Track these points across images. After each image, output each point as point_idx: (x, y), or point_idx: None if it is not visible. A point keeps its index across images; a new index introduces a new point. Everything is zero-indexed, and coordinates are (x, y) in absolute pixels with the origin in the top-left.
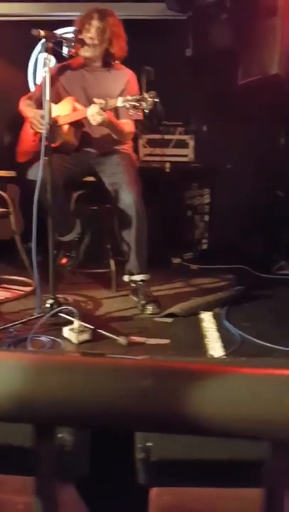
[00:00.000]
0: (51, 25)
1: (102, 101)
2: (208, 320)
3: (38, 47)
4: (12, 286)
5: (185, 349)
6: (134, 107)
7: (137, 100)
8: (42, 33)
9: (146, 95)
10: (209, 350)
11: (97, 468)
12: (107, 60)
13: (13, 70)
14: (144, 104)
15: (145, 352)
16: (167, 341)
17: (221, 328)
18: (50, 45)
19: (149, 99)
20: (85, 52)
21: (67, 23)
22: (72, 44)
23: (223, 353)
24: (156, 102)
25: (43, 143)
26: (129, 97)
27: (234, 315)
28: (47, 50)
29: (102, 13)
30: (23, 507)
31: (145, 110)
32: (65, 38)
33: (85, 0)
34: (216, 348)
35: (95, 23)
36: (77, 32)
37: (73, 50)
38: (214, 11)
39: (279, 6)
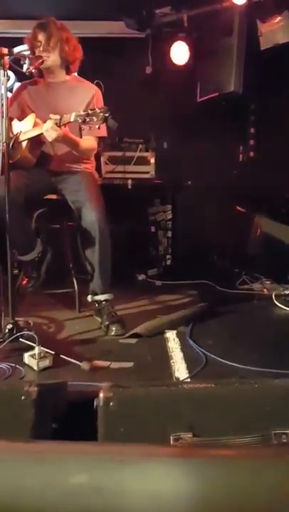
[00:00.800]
0: (7, 42)
1: (57, 116)
2: (172, 339)
3: None
4: None
5: (150, 372)
6: (85, 121)
7: (88, 115)
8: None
9: (97, 110)
10: (174, 373)
11: None
12: (67, 66)
13: None
14: (94, 119)
15: (109, 377)
16: (131, 364)
17: (185, 348)
18: (7, 61)
19: (100, 113)
20: (44, 65)
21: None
22: (30, 61)
23: (188, 375)
24: (106, 117)
25: (1, 160)
26: (81, 112)
27: (198, 333)
28: (3, 66)
29: (43, 24)
30: None
31: (96, 125)
32: (23, 56)
33: (39, 18)
34: (180, 369)
35: (41, 35)
36: (31, 50)
37: (31, 68)
38: (172, 29)
39: (234, 26)
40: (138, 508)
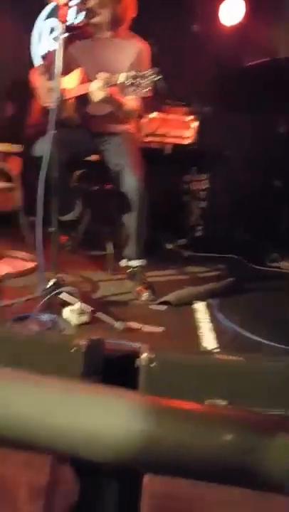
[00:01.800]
0: None
1: (105, 76)
2: (201, 310)
3: (43, 14)
4: (14, 261)
5: (179, 339)
6: (134, 84)
7: (139, 77)
8: (56, 2)
9: (148, 72)
10: (203, 343)
11: None
12: (116, 25)
13: (15, 38)
14: (144, 81)
15: (140, 339)
16: (161, 330)
17: (213, 320)
18: (64, 12)
19: (151, 76)
20: (93, 20)
21: None
22: (81, 12)
23: (215, 346)
24: (157, 79)
25: (52, 117)
26: (131, 73)
27: (226, 307)
28: (59, 18)
29: None
30: (26, 481)
31: (146, 88)
32: (76, 6)
33: None
34: (209, 340)
35: None
36: (82, 1)
37: (82, 21)
38: None
39: None
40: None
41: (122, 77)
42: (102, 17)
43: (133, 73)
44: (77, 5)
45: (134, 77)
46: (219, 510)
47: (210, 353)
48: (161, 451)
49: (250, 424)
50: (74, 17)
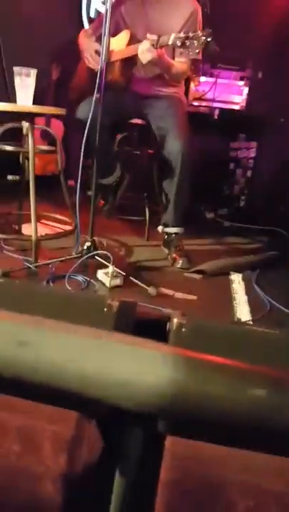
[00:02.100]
0: None
1: (154, 37)
2: (237, 282)
3: None
4: (51, 222)
5: (212, 308)
6: (185, 45)
7: (188, 38)
8: None
9: (199, 33)
10: (236, 314)
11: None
12: None
13: (64, 2)
14: (195, 42)
15: (173, 305)
16: (194, 298)
17: (249, 292)
18: None
19: (202, 37)
20: None
21: None
22: None
23: (250, 319)
24: (208, 41)
25: (98, 80)
26: (181, 35)
27: (264, 280)
28: None
29: None
30: (51, 434)
31: (196, 50)
32: None
33: None
34: (243, 311)
35: None
36: None
37: None
38: None
39: None
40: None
41: (171, 39)
42: None
43: (183, 35)
44: None
45: (184, 39)
46: (241, 475)
47: (243, 324)
48: (189, 401)
49: (284, 382)
50: None
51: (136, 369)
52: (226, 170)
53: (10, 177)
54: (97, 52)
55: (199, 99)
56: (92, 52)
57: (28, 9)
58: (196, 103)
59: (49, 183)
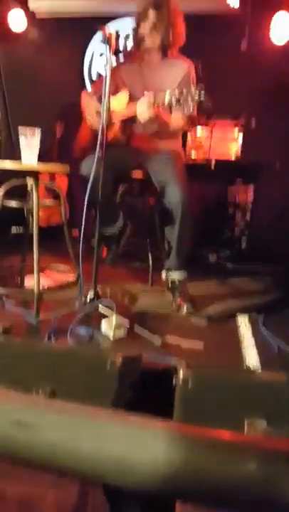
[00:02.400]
0: (107, 20)
1: (150, 96)
2: (244, 324)
3: (94, 41)
4: (54, 273)
5: (220, 355)
6: (180, 102)
7: (183, 95)
8: (108, 33)
9: (192, 90)
10: (245, 359)
11: None
12: (165, 50)
13: (68, 65)
14: (189, 99)
15: (179, 354)
16: (201, 345)
17: (256, 335)
18: (114, 44)
19: (196, 94)
20: (144, 44)
21: (123, 15)
22: (132, 40)
23: (258, 363)
24: (202, 97)
25: (99, 138)
26: (176, 92)
27: (271, 322)
28: (110, 49)
29: (158, 4)
30: (53, 502)
31: (190, 106)
32: (126, 36)
33: None
34: (251, 356)
35: (152, 15)
36: (137, 25)
37: (132, 47)
38: (273, 4)
39: None
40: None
41: (167, 96)
42: (153, 42)
43: (178, 92)
44: (128, 35)
45: (179, 96)
46: None
47: (252, 370)
48: (190, 480)
49: (283, 455)
50: (123, 43)
51: (133, 449)
52: (225, 213)
53: (14, 229)
54: (98, 113)
55: (196, 149)
56: (93, 113)
57: (33, 71)
58: (193, 152)
59: (53, 233)
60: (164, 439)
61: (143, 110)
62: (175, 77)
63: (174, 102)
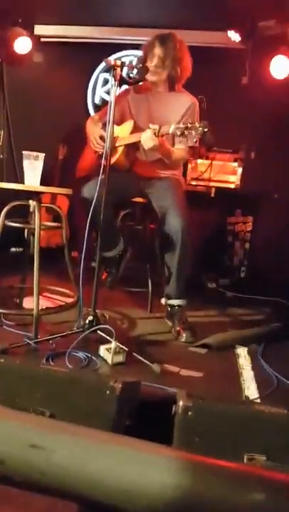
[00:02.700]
0: (110, 47)
1: (156, 127)
2: (243, 356)
3: (99, 68)
4: (54, 295)
5: (219, 386)
6: (184, 134)
7: (187, 128)
8: (112, 62)
9: (196, 124)
10: (244, 391)
11: None
12: (172, 84)
13: (72, 89)
14: (193, 132)
15: (178, 383)
16: (200, 374)
17: (256, 367)
18: (119, 73)
19: (199, 128)
20: (151, 77)
21: (126, 46)
22: (137, 71)
23: (258, 396)
24: (205, 131)
25: (103, 162)
26: (181, 125)
27: (271, 353)
28: (115, 77)
29: (165, 39)
30: None
31: (193, 139)
32: (131, 66)
33: (146, 26)
34: (250, 388)
35: (157, 51)
36: (143, 59)
37: (137, 77)
38: (274, 42)
39: None
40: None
41: (171, 129)
42: (159, 77)
43: (182, 125)
44: (134, 65)
45: (184, 129)
46: None
47: (251, 403)
48: (197, 507)
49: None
50: (127, 73)
51: (142, 474)
52: (224, 242)
53: (13, 249)
54: (102, 138)
55: (197, 179)
56: (97, 138)
57: (38, 94)
58: (194, 182)
59: (53, 254)
60: (173, 466)
61: (148, 137)
62: (179, 110)
63: (178, 133)
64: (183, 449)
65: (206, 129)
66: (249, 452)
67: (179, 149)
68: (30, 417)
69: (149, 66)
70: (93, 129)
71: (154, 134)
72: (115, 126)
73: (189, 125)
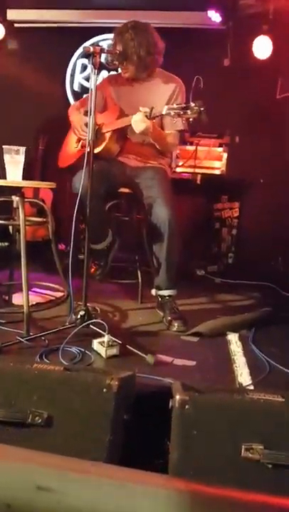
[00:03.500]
0: (87, 31)
1: (146, 109)
2: (234, 342)
3: (77, 53)
4: (43, 290)
5: (212, 374)
6: (179, 115)
7: (183, 108)
8: (92, 49)
9: (192, 104)
10: (237, 378)
11: None
12: (149, 73)
13: (50, 76)
14: (189, 112)
15: (172, 373)
16: (194, 363)
17: (247, 353)
18: (98, 60)
19: (195, 107)
20: (125, 74)
21: (104, 30)
22: (114, 59)
23: (251, 382)
24: (201, 110)
25: (87, 151)
26: (174, 106)
27: (261, 338)
28: (94, 64)
29: (120, 32)
30: None
31: (190, 119)
32: (110, 52)
33: (123, 8)
34: (243, 375)
35: (118, 46)
36: (114, 46)
37: (116, 63)
38: (255, 22)
39: None
40: None
41: (165, 109)
42: (130, 72)
43: (175, 105)
44: (108, 51)
45: (180, 109)
46: None
47: (245, 391)
48: None
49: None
50: (106, 58)
51: (131, 509)
52: (212, 229)
53: None
54: (86, 125)
55: (182, 166)
56: (82, 126)
57: (14, 83)
58: (179, 169)
59: (39, 247)
60: (164, 497)
61: (139, 119)
62: (164, 93)
63: (172, 113)
64: (181, 441)
65: (202, 108)
66: (247, 442)
67: (170, 134)
68: (36, 454)
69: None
70: (78, 117)
71: (146, 116)
72: (98, 114)
73: (184, 105)
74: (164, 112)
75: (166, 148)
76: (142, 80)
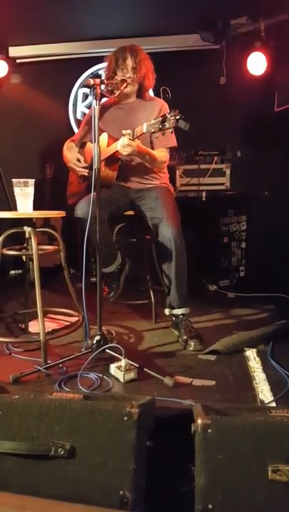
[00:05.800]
0: (87, 61)
1: (129, 131)
2: (253, 358)
3: (77, 83)
4: (57, 316)
5: (233, 392)
6: (160, 129)
7: (160, 122)
8: (92, 81)
9: (167, 115)
10: (258, 395)
11: None
12: (141, 92)
13: (54, 106)
14: (167, 124)
15: (191, 394)
16: (213, 383)
17: (267, 368)
18: (99, 91)
19: (172, 118)
20: (126, 89)
21: (102, 59)
22: (115, 86)
23: (272, 398)
24: (178, 119)
25: (93, 178)
26: (152, 121)
27: (280, 352)
28: (96, 96)
29: (135, 50)
30: None
31: (170, 129)
32: (111, 83)
33: (120, 37)
34: (264, 391)
35: (130, 60)
36: (110, 69)
37: (117, 92)
38: (248, 39)
39: None
40: None
41: (144, 127)
42: (132, 88)
43: (153, 121)
44: (108, 81)
45: (157, 123)
46: None
47: (267, 407)
48: None
49: None
50: (104, 87)
51: None
52: (221, 243)
53: (12, 272)
54: (79, 160)
55: (186, 184)
56: (76, 163)
57: (20, 115)
58: (183, 188)
59: (52, 272)
60: None
61: (124, 144)
62: (149, 114)
63: (152, 130)
64: (206, 466)
65: (178, 117)
66: (273, 464)
67: (159, 151)
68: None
69: (126, 78)
70: (69, 156)
71: (130, 139)
72: (89, 143)
73: (161, 117)
74: (144, 130)
75: (155, 165)
76: (128, 104)
